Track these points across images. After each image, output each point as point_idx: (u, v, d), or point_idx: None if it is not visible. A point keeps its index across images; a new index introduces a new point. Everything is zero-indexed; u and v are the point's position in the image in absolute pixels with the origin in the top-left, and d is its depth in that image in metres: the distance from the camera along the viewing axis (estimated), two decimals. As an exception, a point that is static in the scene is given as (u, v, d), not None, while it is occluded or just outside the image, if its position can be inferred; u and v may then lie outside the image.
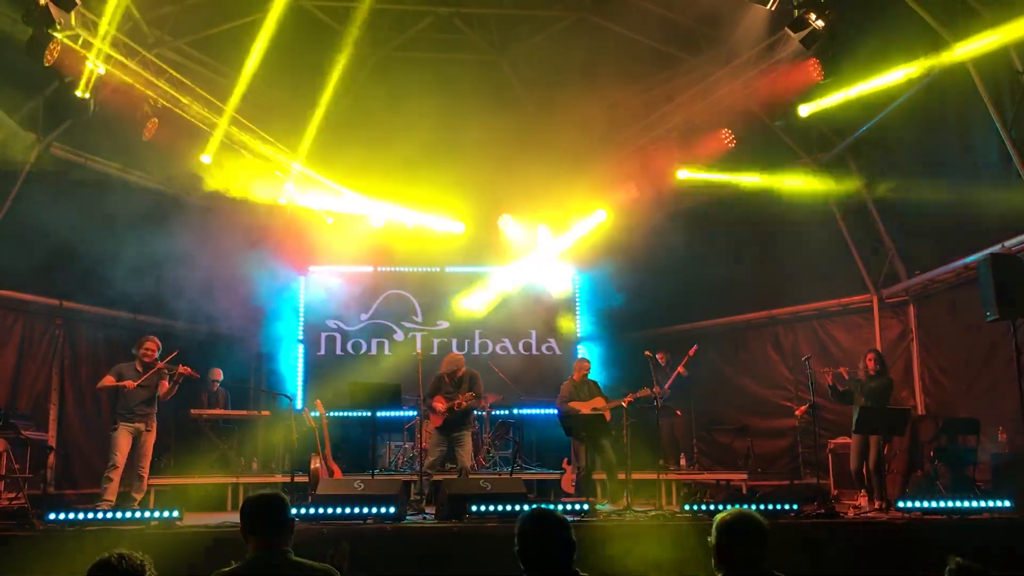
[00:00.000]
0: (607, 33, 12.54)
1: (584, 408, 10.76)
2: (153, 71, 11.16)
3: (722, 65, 11.87)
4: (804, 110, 11.06)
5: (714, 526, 3.63)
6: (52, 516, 7.60)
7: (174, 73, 11.50)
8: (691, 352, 12.75)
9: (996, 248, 9.62)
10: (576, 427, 10.44)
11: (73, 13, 9.32)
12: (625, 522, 8.44)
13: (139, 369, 9.28)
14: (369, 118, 13.45)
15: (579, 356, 12.97)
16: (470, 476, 9.96)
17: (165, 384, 9.40)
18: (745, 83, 11.58)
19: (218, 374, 12.95)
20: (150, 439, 9.22)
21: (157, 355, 9.41)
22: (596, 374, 11.74)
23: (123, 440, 8.99)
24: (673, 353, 13.10)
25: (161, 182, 13.03)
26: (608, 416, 10.58)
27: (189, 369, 9.51)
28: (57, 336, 12.14)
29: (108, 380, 9.21)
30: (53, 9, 8.94)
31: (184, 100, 11.67)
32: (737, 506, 8.02)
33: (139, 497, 9.16)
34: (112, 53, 10.45)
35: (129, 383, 9.11)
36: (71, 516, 7.64)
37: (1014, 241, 9.58)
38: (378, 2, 12.61)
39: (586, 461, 10.52)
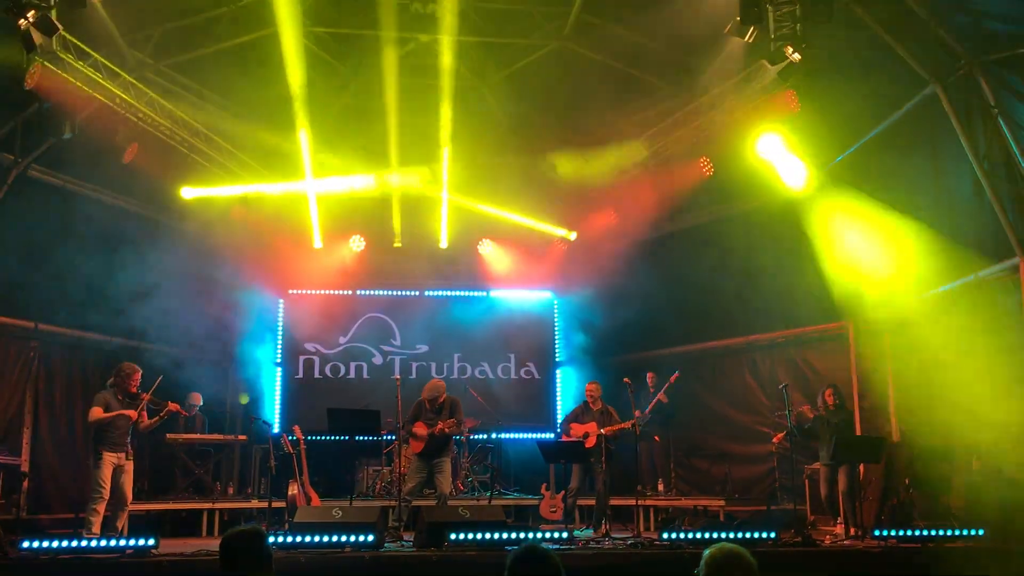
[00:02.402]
0: (586, 61, 12.66)
1: (578, 431, 10.77)
2: (133, 94, 11.14)
3: (701, 94, 12.00)
4: (763, 144, 11.25)
5: (703, 561, 3.62)
6: (26, 544, 7.50)
7: (155, 96, 11.48)
8: (672, 379, 12.84)
9: (970, 278, 9.76)
10: (549, 455, 10.50)
11: (55, 37, 9.27)
12: (604, 550, 8.45)
13: (120, 398, 9.09)
14: (351, 141, 13.54)
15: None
16: (449, 502, 9.94)
17: (145, 416, 9.22)
18: (723, 112, 11.71)
19: (197, 399, 12.84)
20: (131, 467, 9.09)
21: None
22: (575, 400, 11.75)
23: (108, 471, 8.82)
24: (657, 375, 13.21)
25: (140, 205, 12.97)
26: (593, 441, 10.59)
27: (178, 406, 9.40)
28: (32, 359, 11.99)
29: (98, 412, 8.91)
30: (35, 33, 8.90)
31: (165, 123, 11.66)
32: (724, 534, 8.14)
33: (120, 525, 9.02)
34: (93, 75, 10.43)
35: (131, 412, 8.95)
36: (45, 544, 7.55)
37: (988, 271, 9.72)
38: (360, 28, 12.75)
39: (576, 484, 10.58)
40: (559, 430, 11.18)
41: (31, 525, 10.72)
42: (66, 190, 12.00)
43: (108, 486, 8.80)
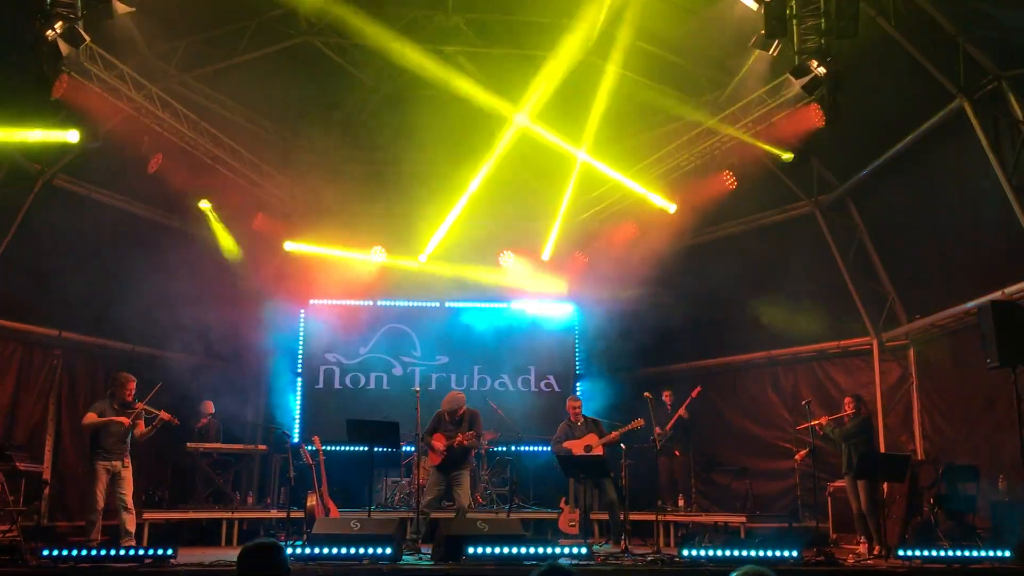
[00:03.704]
0: (612, 74, 12.60)
1: (576, 448, 10.76)
2: (159, 105, 11.22)
3: (725, 107, 11.94)
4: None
5: None
6: (46, 552, 7.53)
7: (179, 107, 11.56)
8: (693, 394, 12.81)
9: (997, 294, 9.64)
10: (569, 468, 10.46)
11: (82, 48, 9.36)
12: (623, 567, 8.37)
13: (116, 408, 9.25)
14: (374, 152, 13.62)
15: (573, 395, 12.80)
16: (467, 515, 9.90)
17: (141, 425, 9.37)
18: (747, 125, 11.64)
19: (209, 407, 12.88)
20: (128, 473, 9.25)
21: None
22: (595, 413, 11.70)
23: (101, 480, 9.03)
24: (675, 392, 13.14)
25: (163, 215, 13.06)
26: (601, 451, 10.57)
27: (169, 415, 9.49)
28: (55, 367, 12.08)
29: (92, 417, 9.13)
30: (62, 44, 8.99)
31: (189, 134, 11.73)
32: (745, 551, 8.04)
33: (132, 530, 9.14)
34: (119, 86, 10.51)
35: (124, 419, 9.10)
36: (64, 553, 7.57)
37: (1015, 288, 9.60)
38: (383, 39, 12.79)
39: (584, 501, 10.50)
40: (551, 449, 11.14)
41: (52, 532, 10.79)
42: (91, 200, 12.09)
43: (100, 496, 9.02)
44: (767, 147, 11.18)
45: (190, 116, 11.74)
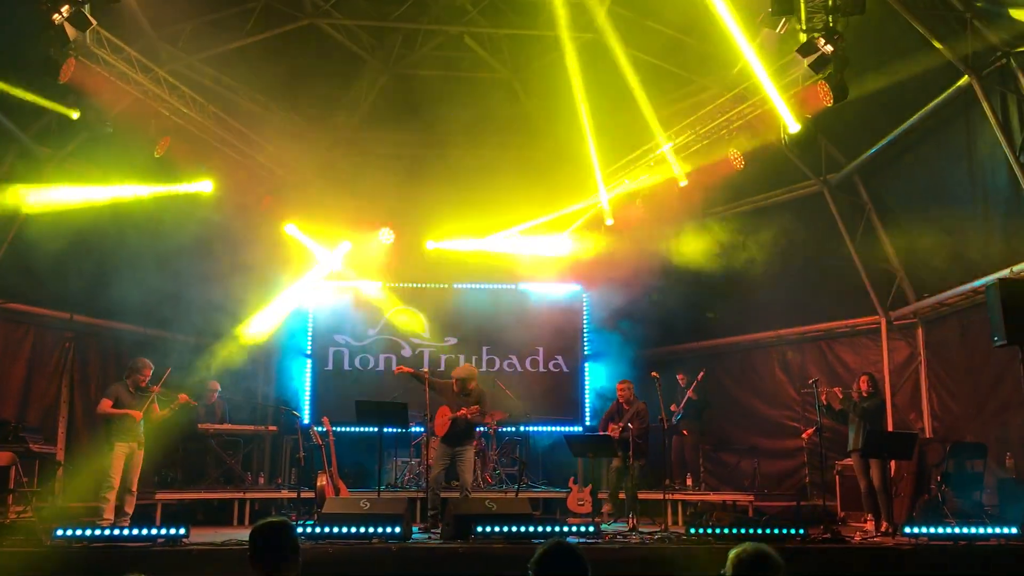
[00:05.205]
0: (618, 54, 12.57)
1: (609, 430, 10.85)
2: (166, 88, 11.23)
3: (732, 87, 11.88)
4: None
5: (729, 561, 3.54)
6: (60, 532, 7.62)
7: (186, 90, 11.57)
8: (699, 376, 12.87)
9: (1004, 273, 9.61)
10: (579, 448, 10.52)
11: (89, 31, 9.36)
12: (631, 544, 8.43)
13: (132, 391, 9.39)
14: (381, 135, 13.60)
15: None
16: (476, 494, 9.96)
17: (156, 408, 9.52)
18: (755, 104, 11.58)
19: (216, 386, 12.96)
20: (140, 455, 9.41)
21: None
22: (603, 393, 11.74)
23: (119, 461, 9.17)
24: (685, 373, 13.23)
25: (171, 196, 13.08)
26: (616, 434, 10.63)
27: (186, 396, 9.68)
28: (67, 349, 12.17)
29: (106, 404, 9.29)
30: (68, 28, 9.00)
31: (196, 117, 11.74)
32: (753, 530, 8.09)
33: (130, 511, 9.31)
34: (126, 70, 10.53)
35: (136, 413, 9.24)
36: (78, 533, 7.66)
37: (1022, 266, 9.57)
38: (389, 20, 12.80)
39: (616, 480, 10.63)
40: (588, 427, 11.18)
41: (65, 513, 10.89)
42: (100, 182, 12.10)
43: (119, 476, 9.15)
44: (788, 109, 10.98)
45: (197, 99, 11.75)
